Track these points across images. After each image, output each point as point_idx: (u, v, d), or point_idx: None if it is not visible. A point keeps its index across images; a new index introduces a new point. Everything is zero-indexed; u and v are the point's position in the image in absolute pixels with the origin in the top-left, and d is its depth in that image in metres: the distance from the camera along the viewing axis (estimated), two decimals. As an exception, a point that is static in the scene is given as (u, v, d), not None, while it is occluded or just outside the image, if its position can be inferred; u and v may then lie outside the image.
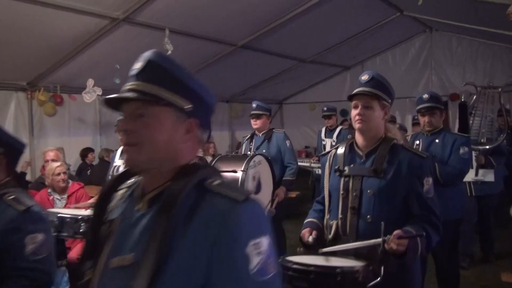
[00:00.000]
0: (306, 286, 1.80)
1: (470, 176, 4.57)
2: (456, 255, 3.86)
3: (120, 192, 1.22)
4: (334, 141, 6.66)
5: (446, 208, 3.48)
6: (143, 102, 1.08)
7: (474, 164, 4.58)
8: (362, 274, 1.83)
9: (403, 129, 6.24)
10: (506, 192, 5.37)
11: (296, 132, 10.61)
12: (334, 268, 1.86)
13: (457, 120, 5.41)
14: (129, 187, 1.22)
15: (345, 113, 9.41)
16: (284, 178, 4.66)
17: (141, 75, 1.12)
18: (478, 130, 4.49)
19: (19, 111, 6.03)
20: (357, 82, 2.20)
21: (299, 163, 5.38)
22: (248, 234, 0.99)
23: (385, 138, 2.15)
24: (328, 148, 4.85)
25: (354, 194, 2.11)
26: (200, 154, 4.52)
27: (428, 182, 2.08)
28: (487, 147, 4.53)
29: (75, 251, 3.95)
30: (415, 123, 6.35)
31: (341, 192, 2.15)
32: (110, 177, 3.69)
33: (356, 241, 2.05)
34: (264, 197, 4.17)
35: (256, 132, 4.87)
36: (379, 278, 1.85)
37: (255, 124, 4.78)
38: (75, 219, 3.12)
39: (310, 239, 2.13)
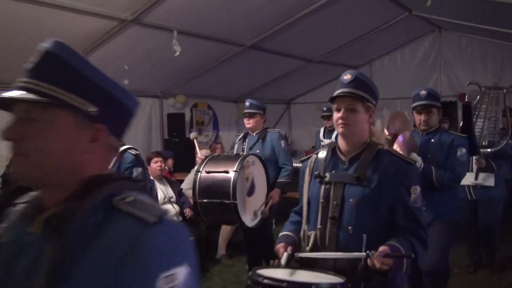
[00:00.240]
0: None
1: (469, 180, 4.42)
2: (447, 259, 3.62)
3: (16, 209, 1.04)
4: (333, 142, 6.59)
5: (438, 209, 3.38)
6: (35, 104, 0.91)
7: (474, 167, 4.45)
8: None
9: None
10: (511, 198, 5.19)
11: (303, 131, 10.61)
12: (309, 284, 1.67)
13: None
14: (26, 202, 1.02)
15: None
16: (278, 180, 4.50)
17: (36, 70, 0.95)
18: (480, 132, 4.32)
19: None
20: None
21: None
22: (158, 265, 0.84)
23: (369, 143, 2.00)
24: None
25: (335, 203, 1.95)
26: (207, 154, 4.50)
27: (416, 191, 1.93)
28: (489, 150, 4.36)
29: None
30: None
31: (321, 200, 1.99)
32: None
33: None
34: (258, 199, 4.06)
35: (250, 131, 4.74)
36: None
37: (248, 123, 4.65)
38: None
39: (283, 260, 1.92)
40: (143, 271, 0.82)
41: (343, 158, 2.03)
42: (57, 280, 0.84)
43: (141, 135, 7.66)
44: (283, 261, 1.92)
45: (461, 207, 4.06)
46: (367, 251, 1.74)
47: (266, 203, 4.17)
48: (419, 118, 3.47)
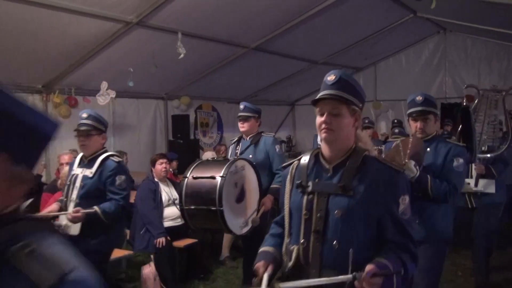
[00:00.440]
0: None
1: (469, 187, 4.20)
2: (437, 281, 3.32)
3: None
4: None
5: (430, 226, 3.04)
6: None
7: (474, 173, 4.23)
8: None
9: (404, 135, 5.80)
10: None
11: (307, 133, 10.60)
12: None
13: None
14: None
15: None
16: (271, 186, 4.19)
17: None
18: (479, 137, 4.13)
19: (35, 113, 6.11)
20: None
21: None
22: None
23: (355, 149, 1.84)
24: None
25: (319, 215, 1.79)
26: (212, 157, 4.46)
27: (405, 201, 1.79)
28: (489, 155, 4.16)
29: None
30: None
31: (304, 212, 1.83)
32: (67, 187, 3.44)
33: (320, 270, 1.77)
34: (249, 205, 3.87)
35: (244, 135, 4.48)
36: None
37: (242, 127, 4.39)
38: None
39: (264, 279, 1.77)
40: None
41: (327, 166, 1.85)
42: None
43: (146, 136, 7.69)
44: (265, 277, 1.77)
45: (457, 222, 3.57)
46: (354, 273, 1.60)
47: (258, 210, 3.95)
48: (415, 126, 3.21)
